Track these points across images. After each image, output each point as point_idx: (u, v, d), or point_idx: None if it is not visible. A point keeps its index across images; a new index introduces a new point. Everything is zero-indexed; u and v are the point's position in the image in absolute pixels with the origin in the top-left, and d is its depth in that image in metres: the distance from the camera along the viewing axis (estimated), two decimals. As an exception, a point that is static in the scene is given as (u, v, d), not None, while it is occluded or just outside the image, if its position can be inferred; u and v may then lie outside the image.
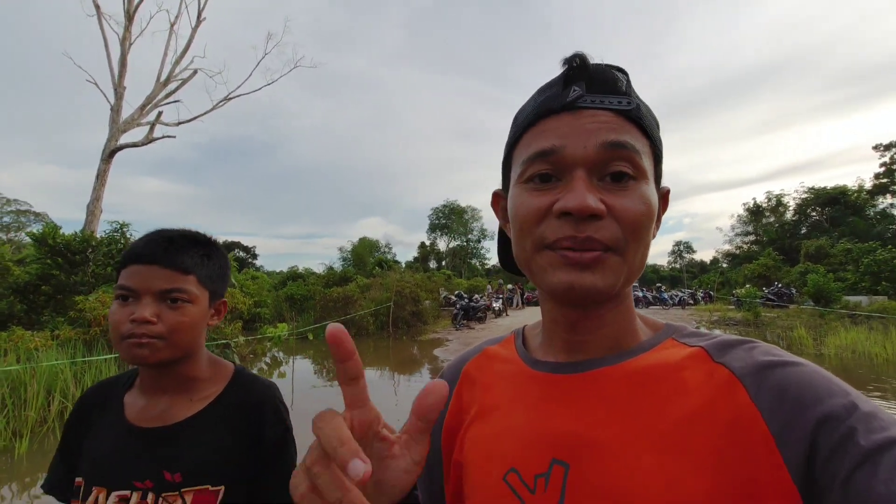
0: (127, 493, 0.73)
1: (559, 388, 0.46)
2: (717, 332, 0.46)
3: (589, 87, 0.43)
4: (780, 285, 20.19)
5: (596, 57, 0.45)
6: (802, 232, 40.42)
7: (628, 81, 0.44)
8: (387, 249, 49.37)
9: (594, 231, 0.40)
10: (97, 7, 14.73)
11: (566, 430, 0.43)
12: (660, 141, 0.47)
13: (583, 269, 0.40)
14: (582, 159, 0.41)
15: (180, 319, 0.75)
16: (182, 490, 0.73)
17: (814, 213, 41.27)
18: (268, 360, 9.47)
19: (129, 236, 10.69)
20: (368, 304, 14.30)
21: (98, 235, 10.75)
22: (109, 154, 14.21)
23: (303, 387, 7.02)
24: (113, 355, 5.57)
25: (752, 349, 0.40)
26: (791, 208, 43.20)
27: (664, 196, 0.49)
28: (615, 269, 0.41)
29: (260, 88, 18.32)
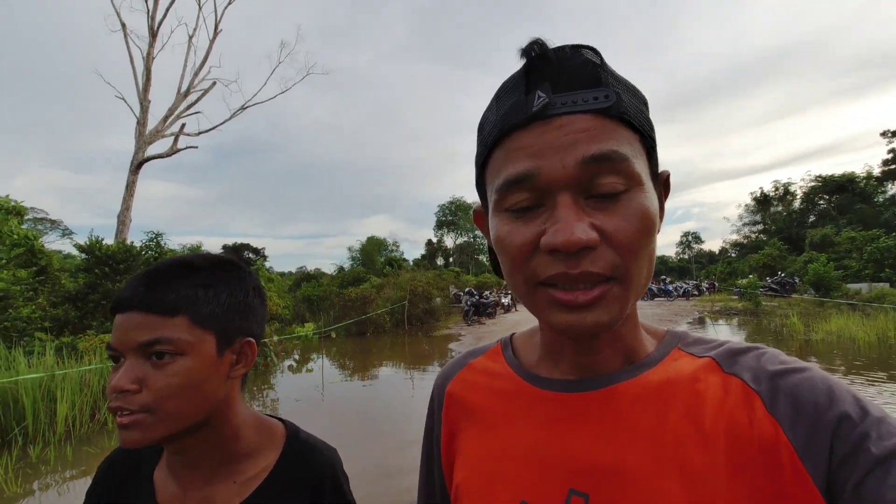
0: None
1: (571, 408, 0.44)
2: (720, 337, 0.45)
3: (555, 86, 0.37)
4: (783, 275, 20.63)
5: (559, 40, 0.39)
6: (810, 220, 40.48)
7: (602, 62, 0.38)
8: (394, 248, 50.16)
9: (589, 264, 0.36)
10: (123, 25, 15.52)
11: (583, 456, 0.41)
12: (651, 127, 0.40)
13: (582, 310, 0.37)
14: (563, 181, 0.36)
15: (169, 381, 0.57)
16: None
17: (821, 202, 41.29)
18: (297, 357, 10.27)
19: (163, 245, 11.54)
20: (384, 303, 15.08)
21: (130, 243, 11.58)
22: (137, 166, 15.04)
23: (328, 380, 7.80)
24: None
25: (761, 357, 0.40)
26: (798, 197, 43.27)
27: (665, 181, 0.45)
28: (618, 300, 0.38)
29: (275, 97, 19.04)
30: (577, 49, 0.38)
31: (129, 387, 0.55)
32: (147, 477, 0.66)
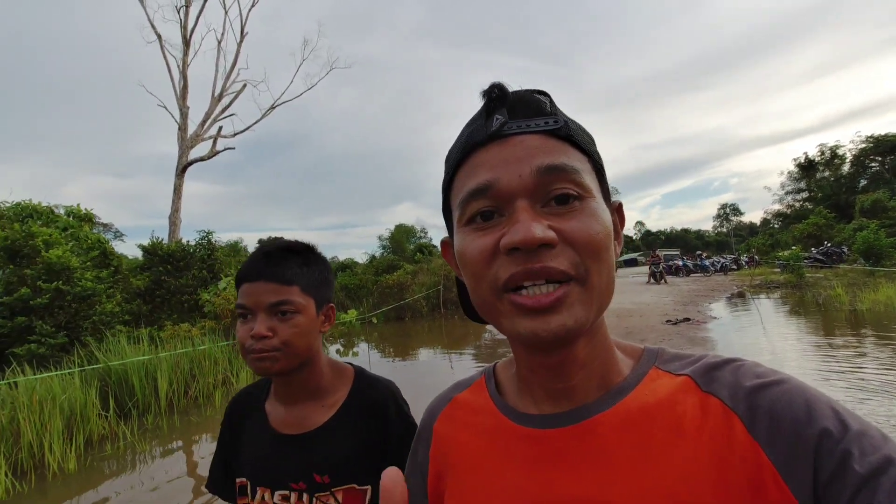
0: (286, 492, 0.81)
1: (553, 446, 0.43)
2: (697, 351, 0.45)
3: (511, 113, 0.42)
4: (829, 244, 19.71)
5: (516, 85, 0.44)
6: (861, 185, 37.94)
7: (552, 102, 0.43)
8: (423, 234, 50.80)
9: (549, 260, 0.38)
10: (159, 36, 16.43)
11: (567, 496, 0.40)
12: (598, 155, 0.45)
13: (546, 313, 0.38)
14: (520, 189, 0.39)
15: (292, 330, 0.79)
16: (332, 490, 0.80)
17: (874, 164, 38.54)
18: (343, 341, 10.97)
19: (214, 242, 12.44)
20: (419, 288, 15.62)
21: (186, 242, 12.55)
22: (182, 169, 16.05)
23: (372, 363, 8.38)
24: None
25: (737, 371, 0.40)
26: (848, 160, 40.52)
27: (617, 209, 0.48)
28: (581, 302, 0.39)
29: (301, 94, 19.69)
30: (531, 91, 0.44)
31: (267, 333, 0.78)
32: (260, 408, 0.90)
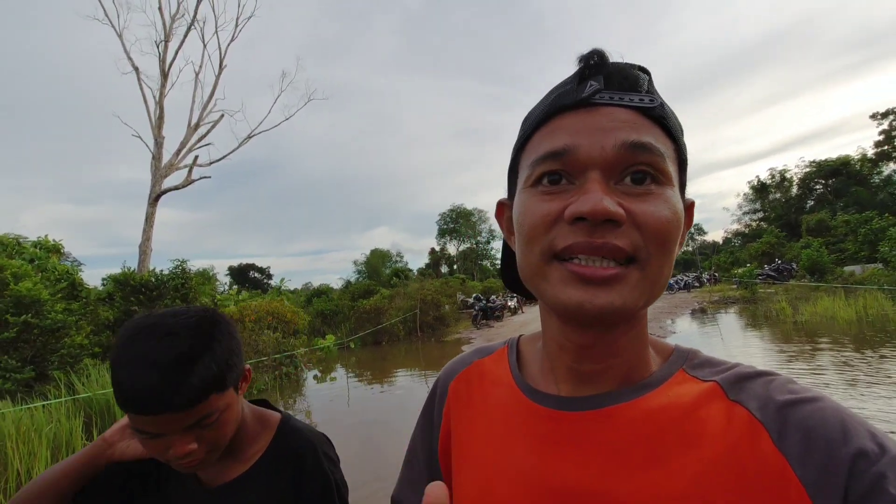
0: None
1: (565, 428, 0.42)
2: (730, 361, 0.43)
3: (607, 82, 0.39)
4: (780, 261, 21.18)
5: (615, 55, 0.42)
6: (808, 206, 40.91)
7: (650, 81, 0.41)
8: (399, 258, 50.94)
9: (613, 238, 0.36)
10: (136, 69, 16.57)
11: (575, 482, 0.40)
12: (685, 146, 0.43)
13: (597, 286, 0.37)
14: (599, 160, 0.38)
15: (220, 431, 0.70)
16: None
17: (818, 186, 41.75)
18: (319, 369, 10.98)
19: (188, 270, 12.36)
20: (396, 312, 15.80)
21: (160, 272, 12.40)
22: (155, 198, 15.94)
23: (351, 389, 8.48)
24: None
25: (769, 384, 0.38)
26: (795, 183, 43.76)
27: (689, 209, 0.45)
28: (635, 286, 0.37)
29: (279, 124, 20.01)
30: (631, 64, 0.42)
31: (191, 448, 0.66)
32: None
